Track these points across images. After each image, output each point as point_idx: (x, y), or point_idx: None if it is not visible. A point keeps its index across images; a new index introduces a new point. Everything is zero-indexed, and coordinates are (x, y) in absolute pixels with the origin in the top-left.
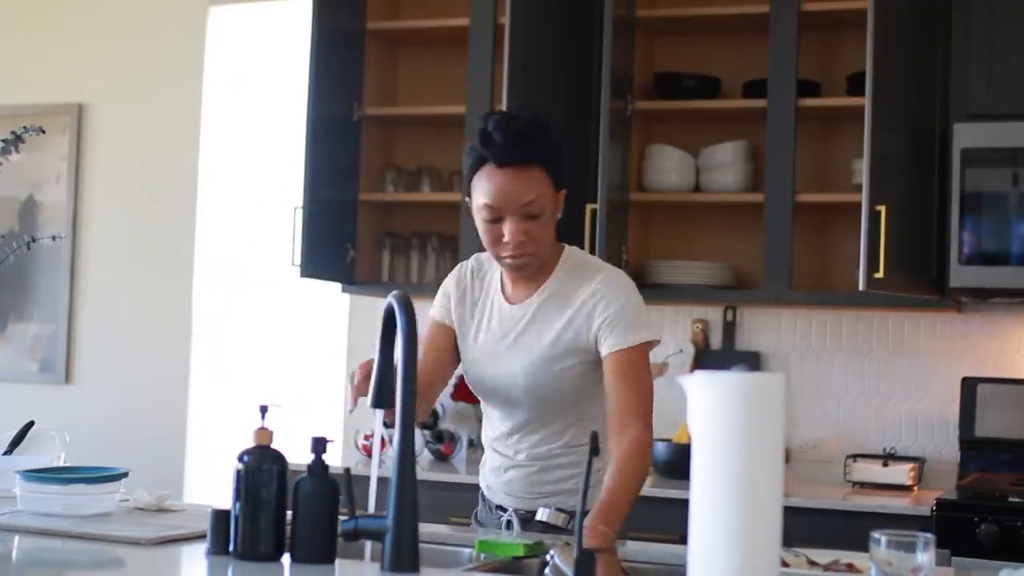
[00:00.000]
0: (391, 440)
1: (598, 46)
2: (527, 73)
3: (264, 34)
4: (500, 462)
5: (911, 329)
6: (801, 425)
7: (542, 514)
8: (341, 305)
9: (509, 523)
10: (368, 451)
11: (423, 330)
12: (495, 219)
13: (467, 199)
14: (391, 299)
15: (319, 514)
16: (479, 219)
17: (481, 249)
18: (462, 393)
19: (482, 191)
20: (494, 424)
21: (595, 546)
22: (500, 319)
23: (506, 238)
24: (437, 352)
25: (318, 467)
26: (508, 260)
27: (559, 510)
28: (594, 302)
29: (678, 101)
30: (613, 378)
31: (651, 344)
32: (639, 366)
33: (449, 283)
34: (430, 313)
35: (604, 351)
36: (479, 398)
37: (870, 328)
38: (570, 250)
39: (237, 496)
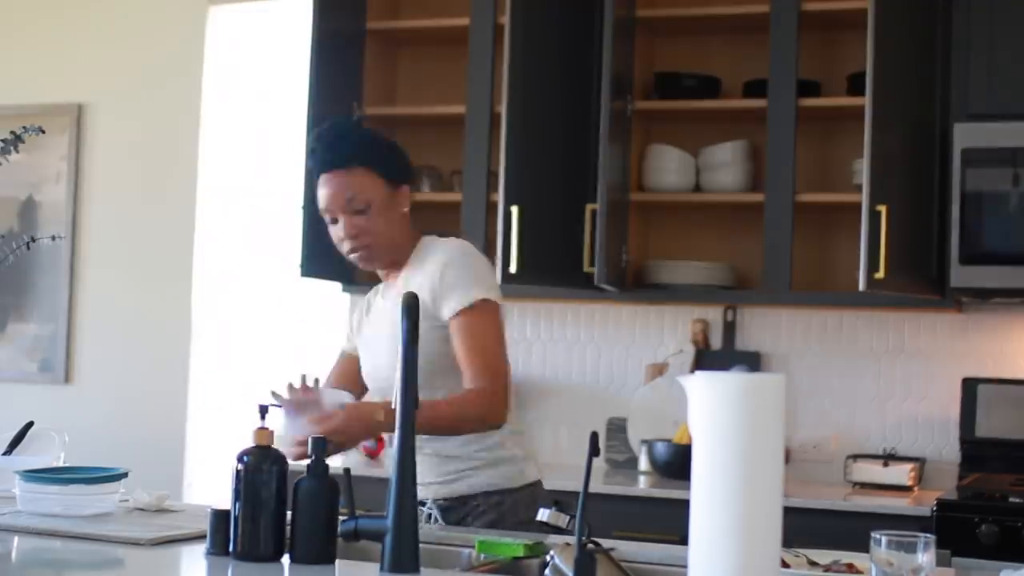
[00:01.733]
0: (390, 441)
1: (598, 46)
2: (527, 73)
3: (264, 34)
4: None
5: (911, 329)
6: (801, 425)
7: (542, 514)
8: (341, 305)
9: (429, 516)
10: (368, 451)
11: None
12: (332, 221)
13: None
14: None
15: (319, 514)
16: (328, 227)
17: (479, 251)
18: None
19: (319, 198)
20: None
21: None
22: (375, 316)
23: (341, 235)
24: (339, 376)
25: (318, 467)
26: (351, 255)
27: (559, 510)
28: (432, 270)
29: (678, 101)
30: (458, 341)
31: (491, 303)
32: (482, 325)
33: (350, 314)
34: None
35: (445, 316)
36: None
37: (870, 328)
38: (424, 238)
39: (237, 496)
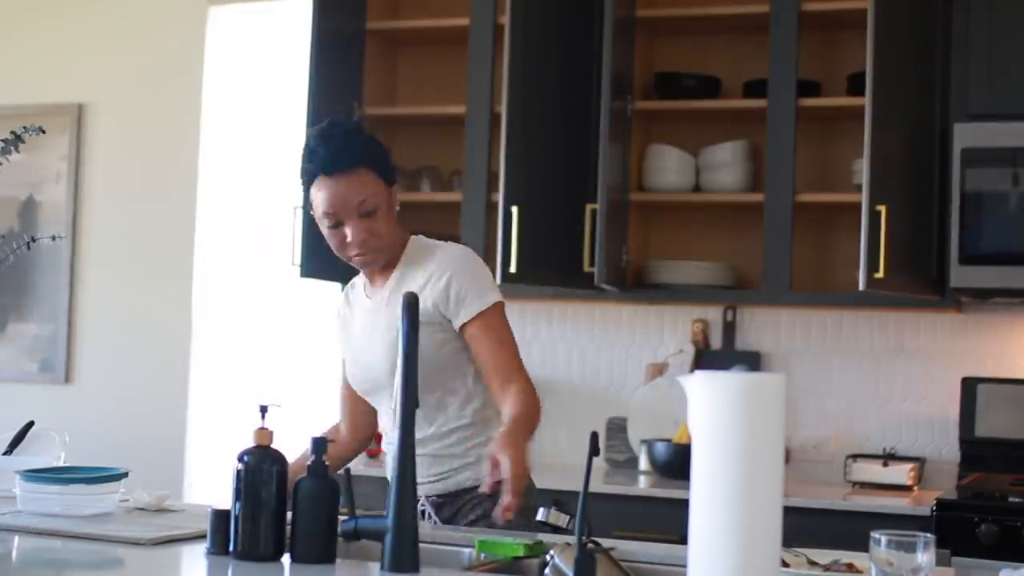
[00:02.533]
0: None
1: (598, 46)
2: (527, 73)
3: (264, 34)
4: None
5: (911, 329)
6: (801, 425)
7: (542, 514)
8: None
9: (423, 512)
10: (368, 451)
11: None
12: (336, 224)
13: (309, 209)
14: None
15: (319, 514)
16: (323, 227)
17: (479, 251)
18: None
19: (319, 201)
20: (382, 421)
21: (505, 449)
22: (362, 314)
23: (349, 239)
24: (353, 395)
25: (318, 467)
26: (357, 259)
27: (559, 510)
28: (436, 277)
29: (678, 101)
30: (479, 342)
31: (501, 304)
32: (501, 326)
33: (334, 323)
34: None
35: (462, 320)
36: (365, 398)
37: (870, 328)
38: (414, 239)
39: (237, 496)
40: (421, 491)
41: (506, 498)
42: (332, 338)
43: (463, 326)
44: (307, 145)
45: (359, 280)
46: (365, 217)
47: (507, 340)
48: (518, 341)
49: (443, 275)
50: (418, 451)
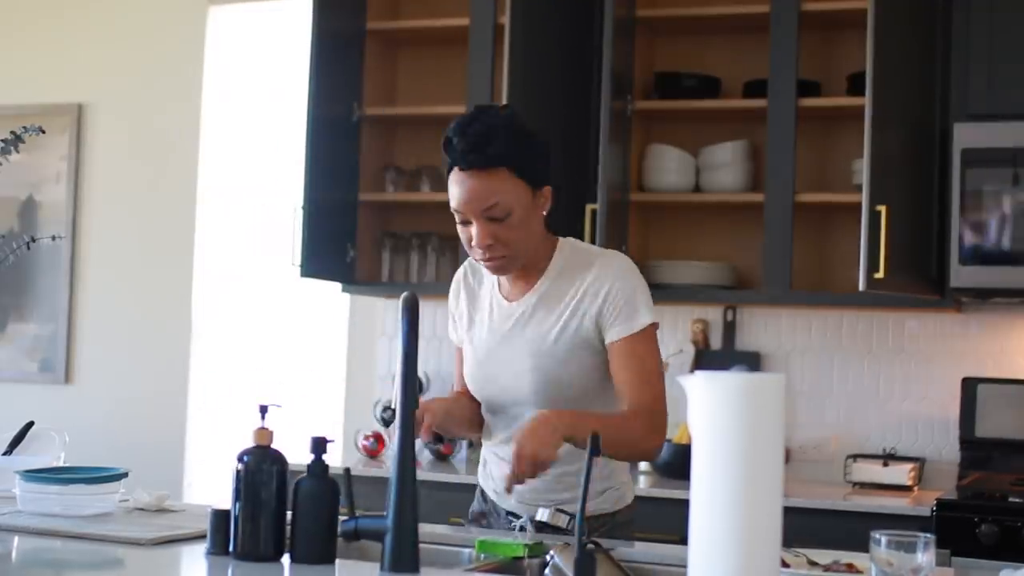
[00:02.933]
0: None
1: (598, 46)
2: (527, 73)
3: (264, 34)
4: (507, 469)
5: (911, 329)
6: (801, 425)
7: (542, 514)
8: (341, 305)
9: (522, 528)
10: (368, 451)
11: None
12: (464, 222)
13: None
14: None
15: (319, 514)
16: (457, 224)
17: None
18: None
19: (451, 195)
20: (498, 429)
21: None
22: (499, 318)
23: (474, 241)
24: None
25: (318, 467)
26: (482, 263)
27: (559, 511)
28: (594, 290)
29: (678, 101)
30: (619, 368)
31: (654, 326)
32: (645, 353)
33: (450, 299)
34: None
35: (608, 340)
36: (481, 401)
37: (870, 328)
38: (565, 242)
39: (237, 496)
40: (529, 512)
41: (508, 469)
42: (450, 331)
43: (610, 343)
44: (447, 132)
45: (495, 277)
46: (494, 221)
47: (649, 369)
48: None
49: (601, 288)
50: (546, 473)
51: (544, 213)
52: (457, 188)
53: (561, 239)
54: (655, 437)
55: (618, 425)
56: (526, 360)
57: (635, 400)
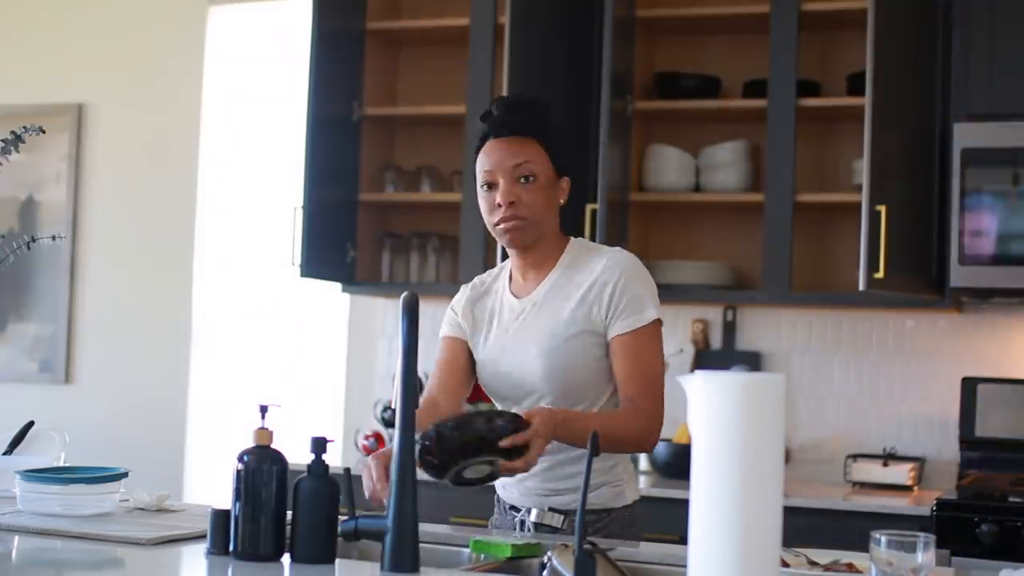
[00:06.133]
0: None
1: (598, 46)
2: (527, 73)
3: (264, 34)
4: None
5: (911, 329)
6: (801, 425)
7: (534, 515)
8: (341, 305)
9: (523, 523)
10: (368, 451)
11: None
12: (490, 186)
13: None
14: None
15: (319, 514)
16: (480, 196)
17: (480, 251)
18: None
19: (480, 164)
20: None
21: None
22: (510, 314)
23: (498, 200)
24: (452, 368)
25: (318, 467)
26: (501, 226)
27: (552, 510)
28: (603, 281)
29: (678, 101)
30: (620, 361)
31: (658, 322)
32: (645, 348)
33: (456, 299)
34: (440, 334)
35: (612, 333)
36: (493, 399)
37: (870, 328)
38: (575, 241)
39: (237, 496)
40: (527, 503)
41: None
42: (444, 326)
43: (613, 336)
44: (488, 107)
45: (499, 276)
46: (519, 183)
47: (648, 365)
48: None
49: (608, 281)
50: (541, 465)
51: (562, 202)
52: (488, 155)
53: (572, 239)
54: (651, 434)
55: (610, 422)
56: (535, 347)
57: (633, 395)
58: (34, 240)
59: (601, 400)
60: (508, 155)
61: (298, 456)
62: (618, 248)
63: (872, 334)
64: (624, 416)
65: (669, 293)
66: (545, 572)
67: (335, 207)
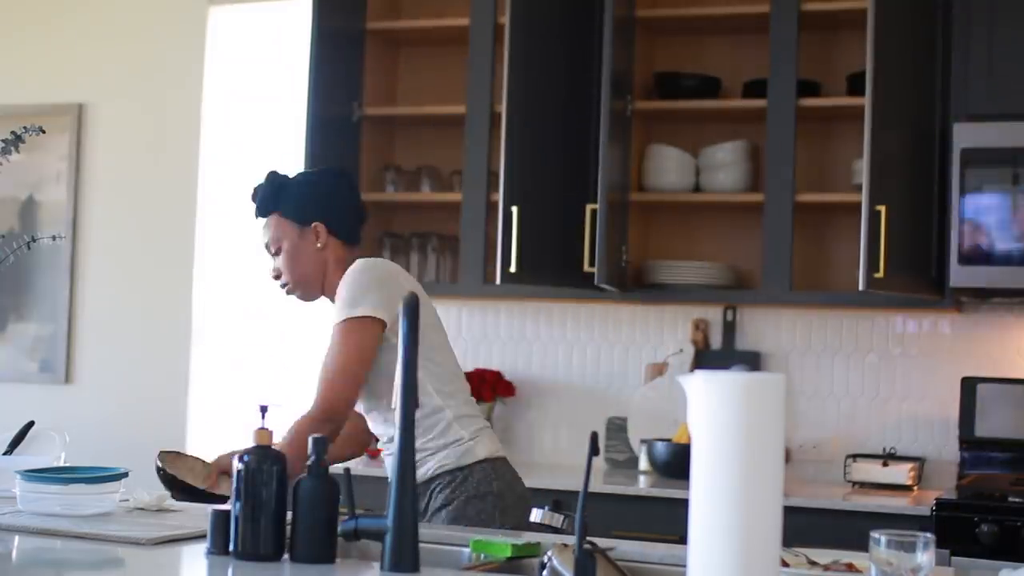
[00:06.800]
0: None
1: (598, 46)
2: (527, 73)
3: (264, 34)
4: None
5: (911, 329)
6: (801, 425)
7: (536, 515)
8: None
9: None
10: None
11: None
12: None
13: None
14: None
15: (319, 514)
16: None
17: (480, 251)
18: (477, 393)
19: None
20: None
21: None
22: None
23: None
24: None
25: (318, 467)
26: (283, 292)
27: (553, 511)
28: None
29: (678, 101)
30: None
31: (355, 320)
32: (336, 343)
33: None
34: None
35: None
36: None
37: (870, 328)
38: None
39: (237, 496)
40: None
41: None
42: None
43: None
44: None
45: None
46: (275, 257)
47: (328, 360)
48: (518, 341)
49: (339, 287)
50: (389, 451)
51: (319, 244)
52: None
53: (356, 261)
54: (321, 425)
55: (294, 439)
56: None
57: (317, 384)
58: (34, 240)
59: (370, 397)
60: (263, 236)
61: None
62: (364, 258)
63: (872, 334)
64: (298, 425)
65: (669, 293)
66: (545, 572)
67: None
